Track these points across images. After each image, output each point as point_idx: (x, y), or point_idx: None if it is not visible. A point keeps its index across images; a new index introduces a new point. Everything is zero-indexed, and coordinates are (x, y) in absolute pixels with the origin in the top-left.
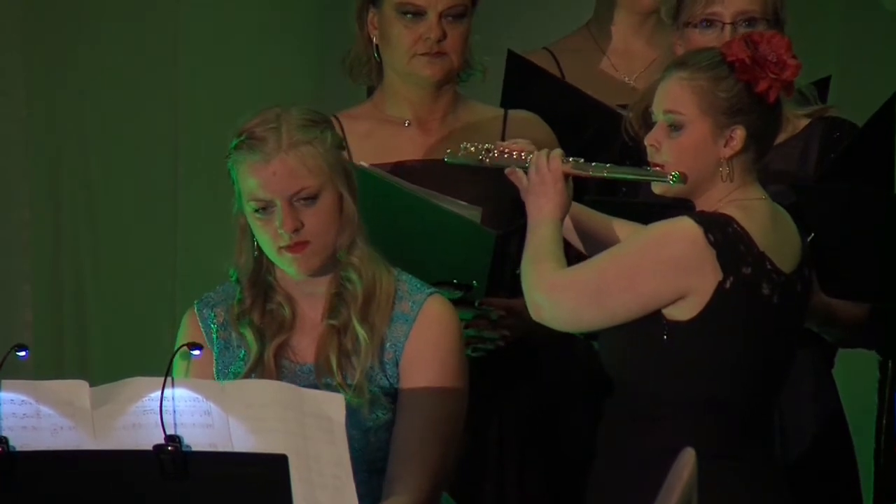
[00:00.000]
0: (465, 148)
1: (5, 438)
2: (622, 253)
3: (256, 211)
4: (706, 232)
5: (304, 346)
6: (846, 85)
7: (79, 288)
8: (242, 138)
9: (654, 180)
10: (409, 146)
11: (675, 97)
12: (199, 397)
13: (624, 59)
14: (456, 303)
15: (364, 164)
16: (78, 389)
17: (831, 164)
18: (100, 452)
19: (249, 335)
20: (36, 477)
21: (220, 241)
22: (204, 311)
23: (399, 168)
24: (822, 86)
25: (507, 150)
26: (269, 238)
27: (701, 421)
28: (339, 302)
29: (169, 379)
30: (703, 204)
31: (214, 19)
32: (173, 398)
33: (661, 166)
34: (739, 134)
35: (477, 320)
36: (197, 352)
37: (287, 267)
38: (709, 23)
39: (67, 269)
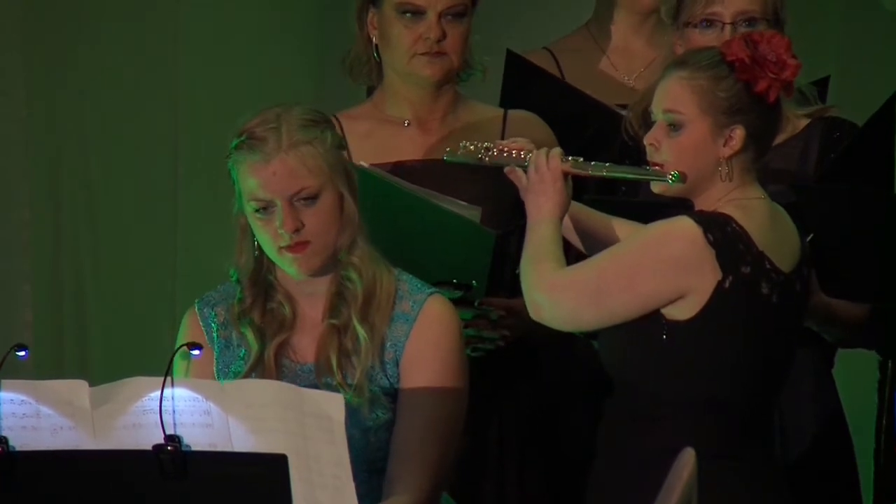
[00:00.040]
0: (465, 146)
1: (5, 438)
2: (622, 252)
3: (257, 211)
4: (705, 231)
5: (305, 345)
6: (846, 85)
7: (79, 288)
8: (242, 138)
9: (653, 179)
10: (408, 146)
11: (675, 96)
12: (199, 397)
13: (624, 59)
14: (456, 303)
15: (364, 163)
16: (78, 389)
17: (831, 164)
18: (99, 452)
19: (250, 334)
20: (36, 477)
21: (220, 241)
22: (205, 310)
23: (399, 168)
24: (822, 86)
25: (506, 149)
26: (270, 238)
27: (701, 421)
28: (339, 301)
29: (169, 379)
30: (702, 203)
31: (214, 19)
32: (173, 398)
33: (661, 166)
34: (739, 133)
35: (477, 320)
36: (197, 351)
37: (287, 267)
38: (709, 23)
39: (67, 269)
